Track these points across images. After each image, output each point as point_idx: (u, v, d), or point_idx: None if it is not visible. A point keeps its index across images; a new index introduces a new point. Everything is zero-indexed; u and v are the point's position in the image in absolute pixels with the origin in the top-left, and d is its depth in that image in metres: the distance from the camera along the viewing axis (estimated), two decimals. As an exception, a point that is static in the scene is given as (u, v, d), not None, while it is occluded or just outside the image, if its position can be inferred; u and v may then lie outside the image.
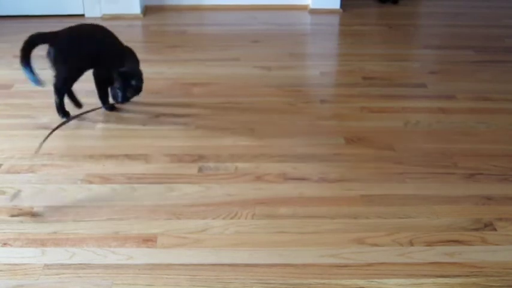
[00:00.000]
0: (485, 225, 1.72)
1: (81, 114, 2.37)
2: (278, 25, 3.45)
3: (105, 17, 3.57)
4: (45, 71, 2.23)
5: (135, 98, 2.35)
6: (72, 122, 2.31)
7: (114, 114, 2.39)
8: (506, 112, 2.44)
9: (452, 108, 2.46)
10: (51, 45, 2.25)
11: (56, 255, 1.59)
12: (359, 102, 2.50)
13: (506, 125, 2.33)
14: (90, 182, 1.91)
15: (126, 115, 2.35)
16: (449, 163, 2.05)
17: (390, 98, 2.55)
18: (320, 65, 2.93)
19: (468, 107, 2.47)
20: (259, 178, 1.94)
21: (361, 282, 1.50)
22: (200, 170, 1.99)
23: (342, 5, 3.75)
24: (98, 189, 1.89)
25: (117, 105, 2.39)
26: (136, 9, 3.61)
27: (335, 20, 3.66)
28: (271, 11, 3.73)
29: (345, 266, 1.56)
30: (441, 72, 2.86)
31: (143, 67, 2.67)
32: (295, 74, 2.79)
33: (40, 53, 2.20)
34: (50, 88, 2.57)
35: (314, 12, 3.72)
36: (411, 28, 3.62)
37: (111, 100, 2.38)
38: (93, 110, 2.39)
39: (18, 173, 1.97)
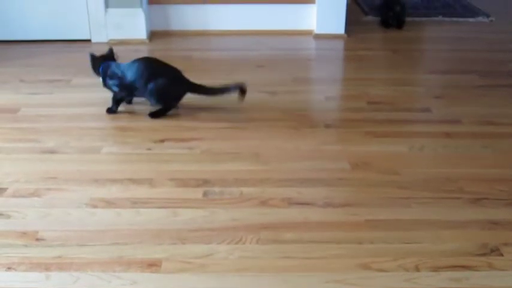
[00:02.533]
0: (492, 251, 1.71)
1: None
2: (283, 50, 3.46)
3: (111, 42, 3.59)
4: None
5: (140, 122, 2.35)
6: (76, 146, 2.31)
7: (118, 138, 2.39)
8: (511, 136, 2.43)
9: (457, 132, 2.46)
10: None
11: (60, 279, 1.58)
12: (364, 126, 2.50)
13: (511, 149, 2.32)
14: (95, 206, 1.91)
15: (130, 140, 2.35)
16: (455, 188, 2.04)
17: (395, 123, 2.54)
18: (325, 90, 2.94)
19: (473, 132, 2.47)
20: (264, 203, 1.94)
21: (366, 308, 1.49)
22: (205, 194, 1.98)
23: (346, 30, 3.76)
24: (103, 213, 1.88)
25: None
26: (142, 35, 3.63)
27: (340, 45, 3.67)
28: (276, 36, 3.75)
29: (351, 291, 1.55)
30: (446, 97, 2.86)
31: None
32: (300, 99, 2.79)
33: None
34: (56, 113, 2.59)
35: (319, 37, 3.74)
36: (415, 53, 3.63)
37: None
38: None
39: (24, 197, 1.97)
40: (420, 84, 3.09)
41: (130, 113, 2.62)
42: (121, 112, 2.61)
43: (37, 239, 1.75)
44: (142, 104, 2.69)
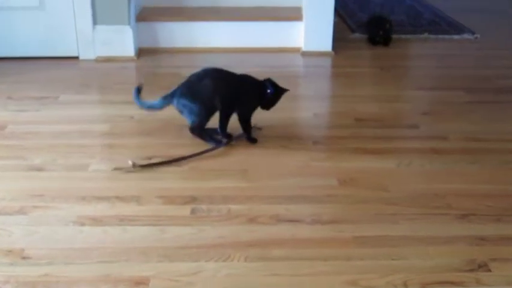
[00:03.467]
0: (480, 266, 1.70)
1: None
2: (271, 67, 3.47)
3: (99, 59, 3.58)
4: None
5: (127, 139, 2.34)
6: (63, 163, 2.29)
7: (105, 155, 2.38)
8: (499, 152, 2.44)
9: (444, 148, 2.47)
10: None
11: (46, 298, 1.57)
12: (352, 143, 2.50)
13: (498, 165, 2.33)
14: (82, 224, 1.90)
15: (118, 157, 2.33)
16: (443, 204, 2.04)
17: (383, 139, 2.55)
18: (313, 107, 2.95)
19: (460, 148, 2.48)
20: (252, 220, 1.93)
21: (355, 325, 1.48)
22: (193, 211, 1.97)
23: (333, 48, 3.78)
24: (90, 231, 1.87)
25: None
26: (130, 52, 3.63)
27: (327, 62, 3.68)
28: (263, 53, 3.76)
29: (339, 308, 1.55)
30: (433, 113, 2.87)
31: (136, 108, 2.67)
32: (287, 116, 2.79)
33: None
34: (43, 130, 2.58)
35: (306, 54, 3.75)
36: (402, 70, 3.65)
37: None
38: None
39: (10, 214, 1.95)
40: (407, 100, 3.10)
41: (118, 131, 2.61)
42: (108, 130, 2.60)
43: (23, 257, 1.73)
44: (128, 121, 2.68)
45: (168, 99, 2.44)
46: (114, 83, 3.24)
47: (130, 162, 2.24)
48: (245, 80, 2.50)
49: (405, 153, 2.42)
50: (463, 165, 2.33)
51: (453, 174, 2.25)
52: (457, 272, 1.68)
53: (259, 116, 2.54)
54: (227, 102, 2.45)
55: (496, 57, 3.83)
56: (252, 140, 2.49)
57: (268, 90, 2.47)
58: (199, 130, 2.43)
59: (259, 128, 2.57)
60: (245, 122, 2.49)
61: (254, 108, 2.50)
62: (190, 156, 2.33)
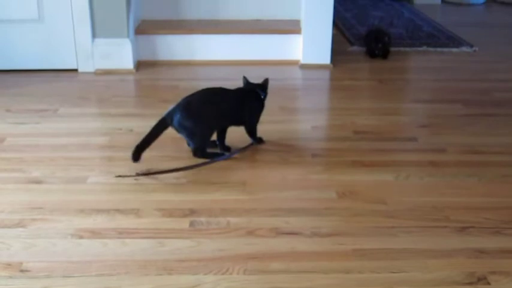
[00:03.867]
0: (479, 279, 1.70)
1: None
2: (269, 80, 3.47)
3: (98, 72, 3.59)
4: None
5: (126, 152, 2.34)
6: (62, 176, 2.29)
7: (104, 168, 2.38)
8: (497, 165, 2.45)
9: (443, 161, 2.47)
10: None
11: (44, 312, 1.56)
12: (350, 156, 2.51)
13: (497, 178, 2.34)
14: (81, 237, 1.89)
15: (117, 169, 2.33)
16: (441, 216, 2.04)
17: (381, 152, 2.55)
18: (311, 119, 2.95)
19: (459, 160, 2.48)
20: (251, 233, 1.93)
21: (354, 338, 1.48)
22: (192, 224, 1.97)
23: (332, 60, 3.79)
24: (88, 243, 1.86)
25: None
26: (129, 65, 3.64)
27: (326, 75, 3.69)
28: (262, 66, 3.76)
29: (338, 322, 1.54)
30: (431, 126, 2.88)
31: (135, 121, 2.68)
32: (286, 128, 2.80)
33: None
34: (42, 143, 2.58)
35: (305, 67, 3.76)
36: (401, 82, 3.66)
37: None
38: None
39: (8, 227, 1.95)
40: (406, 113, 3.11)
41: (117, 144, 2.61)
42: (107, 143, 2.60)
43: (22, 270, 1.72)
44: (127, 134, 2.69)
45: (165, 120, 2.40)
46: (113, 96, 3.24)
47: (138, 172, 2.28)
48: (242, 92, 2.52)
49: (403, 166, 2.43)
50: (462, 177, 2.33)
51: (451, 187, 2.26)
52: (456, 285, 1.68)
53: (261, 129, 2.55)
54: (234, 119, 2.49)
55: (494, 70, 3.85)
56: (261, 141, 2.57)
57: (262, 96, 2.53)
58: (201, 153, 2.43)
59: (263, 141, 2.57)
60: (253, 131, 2.55)
61: (259, 116, 2.55)
62: (196, 166, 2.35)
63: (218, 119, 2.44)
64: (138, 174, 2.26)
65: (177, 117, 2.36)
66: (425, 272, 1.74)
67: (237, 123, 2.51)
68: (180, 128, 2.38)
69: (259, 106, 2.55)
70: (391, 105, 3.20)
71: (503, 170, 2.41)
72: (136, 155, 2.33)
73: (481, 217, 2.04)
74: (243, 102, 2.49)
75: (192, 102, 2.40)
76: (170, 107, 2.39)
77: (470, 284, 1.69)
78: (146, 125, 2.71)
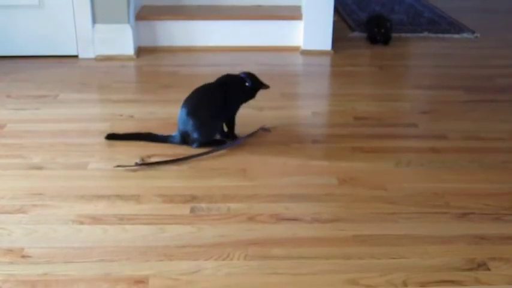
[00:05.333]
0: (479, 265, 1.71)
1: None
2: (270, 66, 3.47)
3: (98, 58, 3.58)
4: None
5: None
6: (62, 162, 2.29)
7: (105, 154, 2.38)
8: (498, 151, 2.44)
9: (443, 147, 2.47)
10: None
11: (45, 297, 1.57)
12: (351, 142, 2.50)
13: (497, 164, 2.34)
14: (81, 223, 1.90)
15: (117, 156, 2.33)
16: (442, 203, 2.04)
17: (382, 138, 2.55)
18: (312, 105, 2.95)
19: (459, 147, 2.48)
20: (251, 219, 1.93)
21: (354, 324, 1.49)
22: (192, 210, 1.97)
23: (333, 46, 3.77)
24: (89, 230, 1.87)
25: None
26: (130, 51, 3.63)
27: (326, 61, 3.68)
28: (263, 52, 3.75)
29: (339, 307, 1.55)
30: (432, 112, 2.87)
31: (136, 107, 2.67)
32: (287, 114, 2.79)
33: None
34: (43, 129, 2.58)
35: (306, 53, 3.75)
36: (402, 69, 3.65)
37: None
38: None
39: (9, 213, 1.95)
40: (406, 99, 3.10)
41: (118, 130, 2.61)
42: (107, 129, 2.60)
43: (23, 256, 1.73)
44: (127, 120, 2.69)
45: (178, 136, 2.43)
46: (114, 82, 3.23)
47: (137, 161, 2.27)
48: (227, 80, 2.50)
49: (404, 152, 2.43)
50: (462, 164, 2.33)
51: (452, 173, 2.26)
52: (456, 271, 1.69)
53: (262, 115, 2.55)
54: (229, 109, 2.47)
55: (495, 56, 3.83)
56: (235, 137, 2.50)
57: (247, 83, 2.48)
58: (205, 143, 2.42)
59: (268, 130, 2.57)
60: (233, 120, 2.50)
61: (240, 104, 2.52)
62: (198, 155, 2.34)
63: (218, 111, 2.43)
64: (137, 164, 2.26)
65: (182, 123, 2.39)
66: (426, 258, 1.74)
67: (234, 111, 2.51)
68: (189, 128, 2.38)
69: (241, 94, 2.51)
70: (392, 91, 3.19)
71: (504, 156, 2.41)
72: (112, 137, 2.45)
73: (482, 203, 2.04)
74: (230, 90, 2.46)
75: (188, 104, 2.40)
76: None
77: (470, 269, 1.69)
78: (147, 111, 2.72)
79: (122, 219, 1.92)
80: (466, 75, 3.43)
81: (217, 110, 2.40)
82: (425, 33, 4.29)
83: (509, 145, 2.50)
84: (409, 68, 3.73)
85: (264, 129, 2.56)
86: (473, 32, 4.30)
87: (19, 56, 3.57)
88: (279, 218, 1.93)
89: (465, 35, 4.28)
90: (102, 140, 2.48)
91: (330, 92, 3.29)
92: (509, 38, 4.31)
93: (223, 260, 1.72)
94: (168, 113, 2.64)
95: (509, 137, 2.58)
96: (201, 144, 2.39)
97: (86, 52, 3.61)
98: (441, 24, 4.58)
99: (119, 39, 3.60)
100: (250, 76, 2.50)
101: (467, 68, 3.57)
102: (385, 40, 4.02)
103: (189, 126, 2.36)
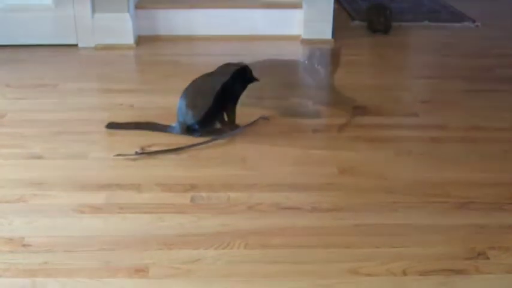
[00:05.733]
0: (479, 254, 1.71)
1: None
2: (270, 55, 3.44)
3: (98, 47, 3.58)
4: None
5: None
6: (62, 151, 2.30)
7: (105, 143, 2.39)
8: (498, 141, 2.44)
9: (444, 137, 2.47)
10: None
11: (46, 286, 1.57)
12: (351, 131, 2.50)
13: (498, 154, 2.34)
14: (82, 212, 1.90)
15: (118, 145, 2.34)
16: (442, 192, 2.05)
17: (382, 128, 2.55)
18: (312, 95, 2.94)
19: (460, 136, 2.48)
20: (251, 208, 1.93)
21: (354, 312, 1.49)
22: (192, 199, 1.98)
23: (333, 35, 3.77)
24: (90, 219, 1.87)
25: None
26: (130, 40, 3.62)
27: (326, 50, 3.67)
28: (263, 41, 3.75)
29: (339, 296, 1.55)
30: (433, 102, 2.87)
31: (136, 96, 2.67)
32: (287, 104, 2.79)
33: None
34: (42, 118, 2.58)
35: (306, 42, 3.74)
36: (402, 58, 3.65)
37: None
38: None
39: (10, 202, 1.95)
40: (407, 89, 3.10)
41: (118, 119, 2.61)
42: (107, 118, 2.60)
43: (23, 245, 1.73)
44: (128, 109, 2.69)
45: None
46: (114, 71, 3.23)
47: (137, 150, 2.27)
48: (227, 70, 2.49)
49: (404, 141, 2.43)
50: (463, 154, 2.33)
51: (452, 163, 2.26)
52: (455, 259, 1.69)
53: (261, 105, 2.55)
54: (229, 98, 2.48)
55: (497, 46, 3.83)
56: (235, 126, 2.50)
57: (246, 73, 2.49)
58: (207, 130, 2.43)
59: (267, 118, 2.57)
60: (234, 109, 2.51)
61: (241, 93, 2.53)
62: (198, 144, 2.34)
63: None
64: (137, 153, 2.26)
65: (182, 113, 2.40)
66: (426, 247, 1.75)
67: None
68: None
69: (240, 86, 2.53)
70: (392, 80, 3.19)
71: (504, 146, 2.41)
72: (112, 126, 2.46)
73: (482, 193, 2.04)
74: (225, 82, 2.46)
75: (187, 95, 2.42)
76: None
77: (470, 258, 1.69)
78: (147, 101, 2.72)
79: (122, 209, 1.92)
80: (466, 65, 3.42)
81: (217, 99, 2.40)
82: (426, 22, 4.29)
83: (510, 135, 2.50)
84: (410, 57, 3.73)
85: (264, 118, 2.56)
86: (474, 21, 4.29)
87: (18, 45, 3.57)
88: (279, 207, 1.94)
89: (466, 24, 4.27)
90: (102, 129, 2.48)
91: (330, 81, 3.28)
92: (510, 27, 4.30)
93: (224, 249, 1.73)
94: (169, 103, 2.64)
95: (509, 126, 2.58)
96: (201, 134, 2.39)
97: (86, 41, 3.60)
98: (442, 13, 4.57)
99: (119, 28, 3.60)
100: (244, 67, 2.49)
101: (468, 58, 3.56)
102: (386, 29, 4.02)
103: (188, 117, 2.37)
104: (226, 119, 2.50)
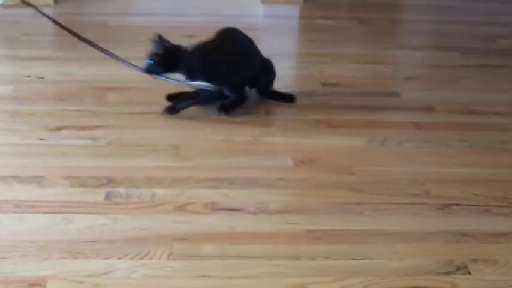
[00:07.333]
0: (458, 268, 1.72)
1: None
2: (222, 17, 3.44)
3: (6, 5, 3.53)
4: None
5: (33, 105, 2.32)
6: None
7: (5, 125, 2.36)
8: (494, 128, 2.47)
9: (428, 122, 2.49)
10: None
11: None
12: (315, 114, 2.51)
13: (492, 144, 2.36)
14: (-32, 211, 1.88)
15: (19, 127, 2.31)
16: (420, 191, 2.06)
17: (354, 110, 2.57)
18: (270, 67, 2.94)
19: (448, 122, 2.51)
20: (181, 208, 1.92)
21: None
22: (107, 197, 1.96)
23: (304, -7, 3.78)
24: (-23, 219, 1.86)
25: None
26: (46, -5, 3.59)
27: (294, 12, 3.68)
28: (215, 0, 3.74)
29: (281, 320, 1.56)
30: (419, 79, 2.89)
31: (48, 66, 2.64)
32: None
33: None
34: None
35: (268, 2, 3.74)
36: (387, 24, 3.66)
37: None
38: None
39: None
40: (389, 62, 3.12)
41: (23, 94, 2.58)
42: (10, 93, 2.57)
43: None
44: (36, 82, 2.66)
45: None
46: (23, 34, 3.22)
47: None
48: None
49: (380, 127, 2.45)
50: (450, 143, 2.35)
51: (436, 155, 2.28)
52: (429, 274, 1.70)
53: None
54: None
55: (500, 11, 3.87)
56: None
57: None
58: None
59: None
60: None
61: None
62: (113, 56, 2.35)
63: None
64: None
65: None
66: (394, 259, 1.75)
67: None
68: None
69: None
70: (372, 51, 3.21)
71: (502, 135, 2.44)
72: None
73: (469, 192, 2.06)
74: None
75: None
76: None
77: (447, 273, 1.70)
78: (61, 72, 2.70)
79: (19, 207, 1.91)
80: (464, 34, 3.46)
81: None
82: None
83: (508, 121, 2.53)
84: (397, 23, 3.75)
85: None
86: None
87: None
88: (216, 208, 1.93)
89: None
90: (3, 106, 2.45)
91: (294, 51, 3.30)
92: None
93: (141, 259, 1.71)
94: (88, 74, 2.63)
95: (508, 111, 2.60)
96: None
97: (-8, -3, 3.56)
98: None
99: (32, -20, 3.56)
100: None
101: (466, 25, 3.60)
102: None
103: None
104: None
